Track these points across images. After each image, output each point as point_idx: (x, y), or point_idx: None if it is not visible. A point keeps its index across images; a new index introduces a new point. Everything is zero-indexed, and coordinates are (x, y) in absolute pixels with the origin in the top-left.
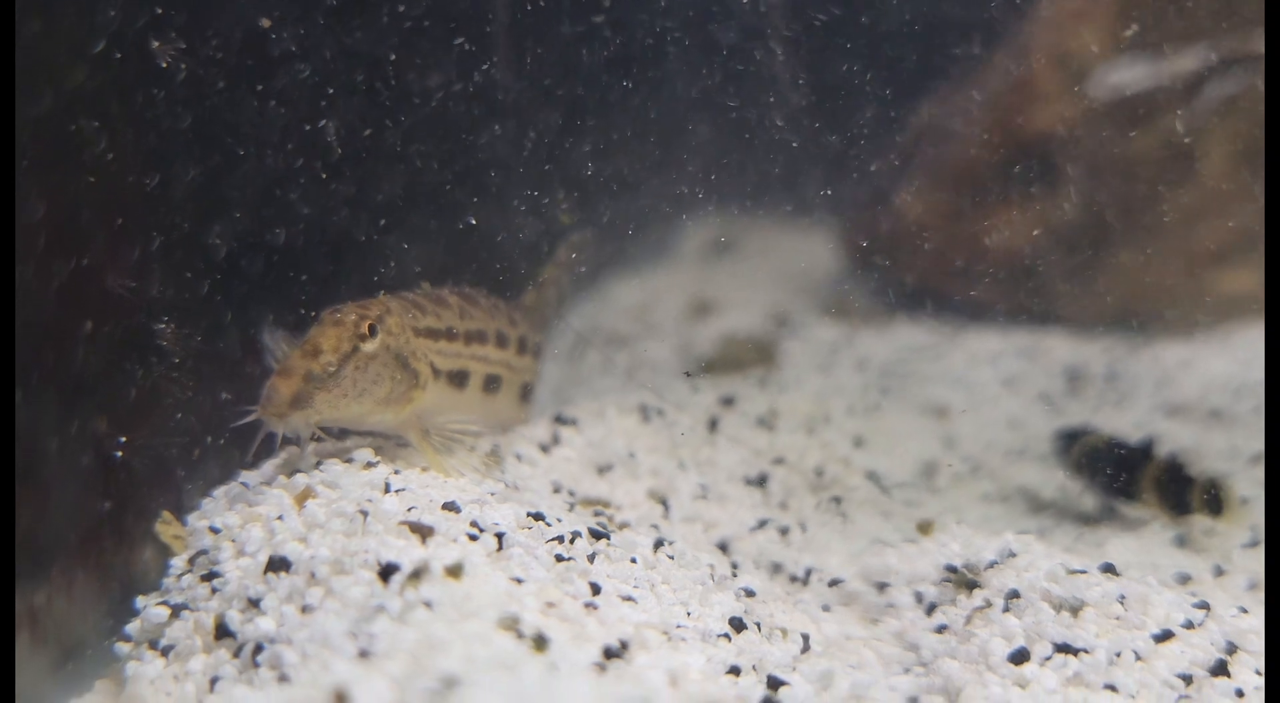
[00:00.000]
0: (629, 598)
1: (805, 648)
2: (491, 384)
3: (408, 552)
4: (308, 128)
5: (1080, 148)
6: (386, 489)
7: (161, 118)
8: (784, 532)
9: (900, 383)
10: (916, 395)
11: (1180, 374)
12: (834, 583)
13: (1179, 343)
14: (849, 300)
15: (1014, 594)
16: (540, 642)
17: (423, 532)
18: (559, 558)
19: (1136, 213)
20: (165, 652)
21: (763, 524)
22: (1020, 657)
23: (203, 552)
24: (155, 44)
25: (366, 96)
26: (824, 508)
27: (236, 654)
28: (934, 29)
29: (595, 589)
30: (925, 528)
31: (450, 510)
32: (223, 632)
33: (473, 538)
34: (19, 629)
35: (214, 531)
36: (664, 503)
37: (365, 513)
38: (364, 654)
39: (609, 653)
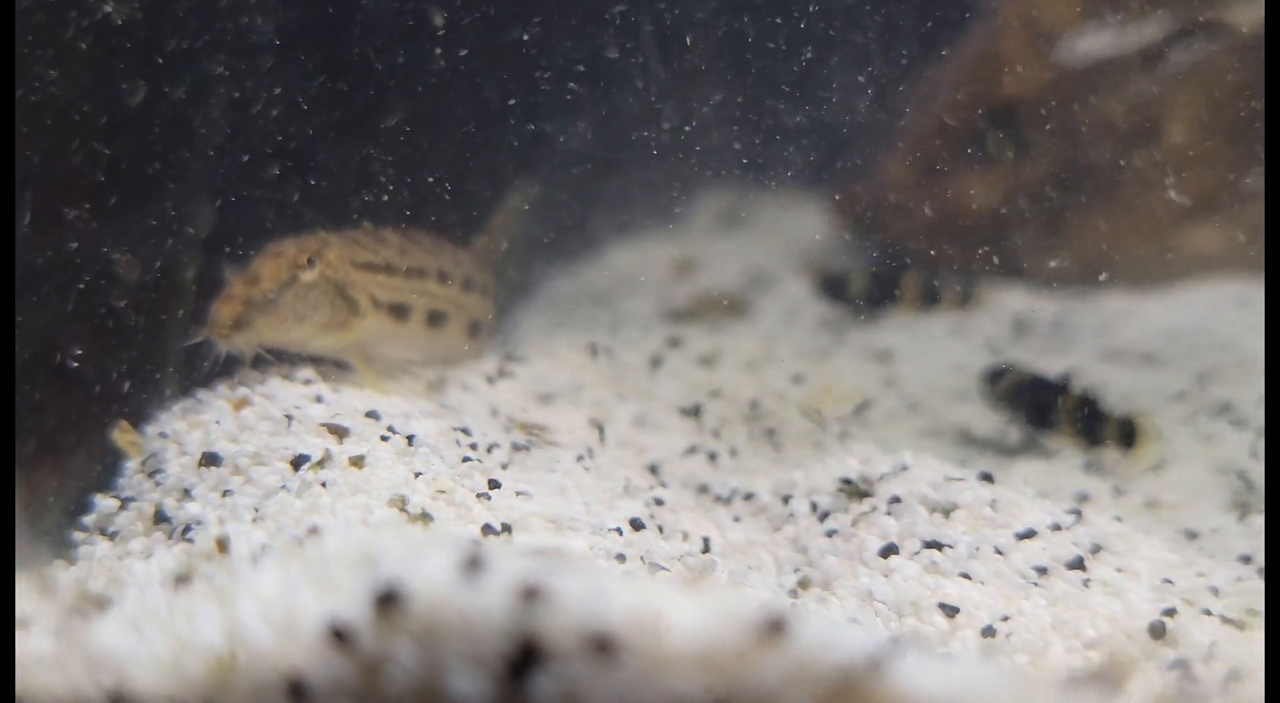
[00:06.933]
0: (524, 493)
1: (705, 550)
2: (435, 319)
3: (320, 447)
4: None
5: (1046, 113)
6: (318, 400)
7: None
8: (713, 457)
9: (854, 331)
10: (865, 341)
11: (1120, 322)
12: (748, 497)
13: (1124, 296)
14: (827, 260)
15: (895, 499)
16: (423, 518)
17: (339, 432)
18: (465, 460)
19: (1100, 176)
20: (112, 536)
21: (693, 450)
22: (889, 551)
23: (153, 454)
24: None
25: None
26: (756, 437)
27: (170, 536)
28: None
29: (493, 484)
30: None
31: (371, 418)
32: (160, 517)
33: (384, 439)
34: None
35: (163, 436)
36: (600, 429)
37: (290, 417)
38: (257, 520)
39: (488, 530)
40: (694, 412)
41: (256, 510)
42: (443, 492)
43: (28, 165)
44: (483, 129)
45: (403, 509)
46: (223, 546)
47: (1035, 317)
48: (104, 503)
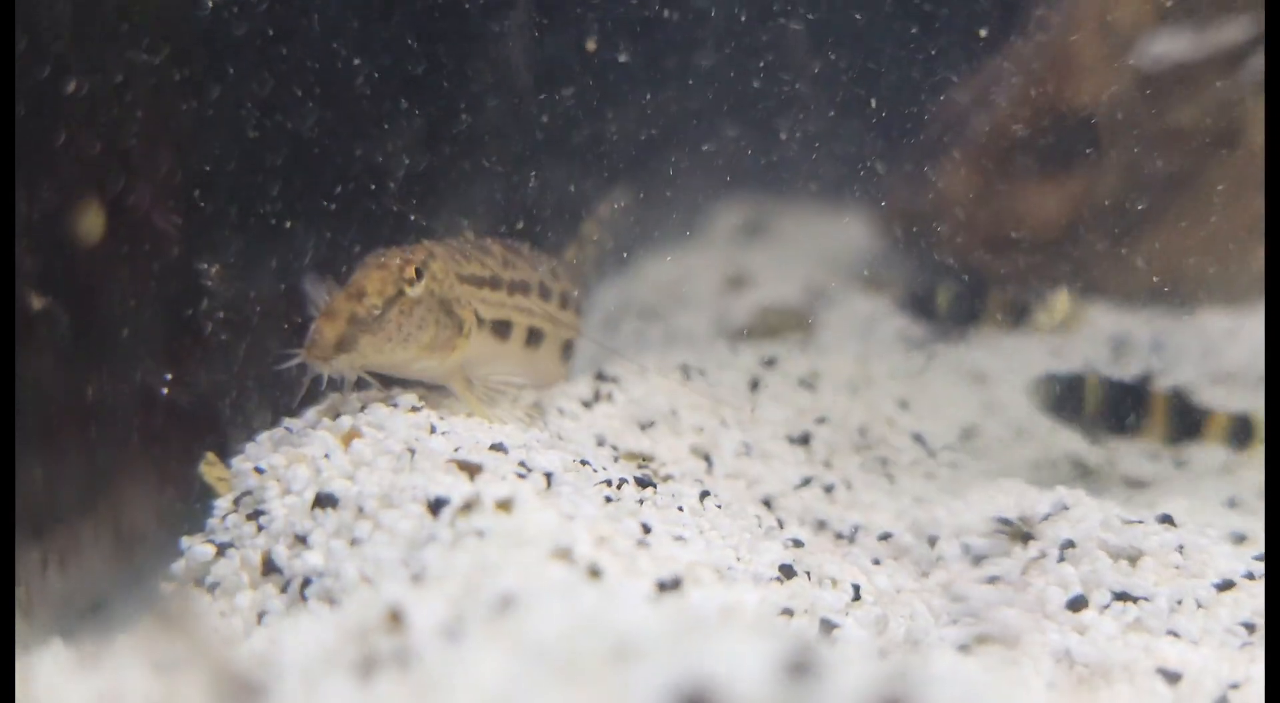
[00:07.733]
0: (680, 538)
1: (856, 597)
2: (534, 338)
3: (456, 487)
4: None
5: (1123, 120)
6: (432, 431)
7: (210, 52)
8: (829, 489)
9: (942, 350)
10: (958, 361)
11: (1226, 343)
12: (884, 537)
13: (1223, 314)
14: (888, 275)
15: (1069, 544)
16: (594, 572)
17: (471, 469)
18: (608, 500)
19: (1180, 186)
20: (211, 589)
21: (807, 482)
22: (1078, 604)
23: (248, 492)
24: None
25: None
26: (869, 468)
27: (284, 589)
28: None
29: (646, 529)
30: None
31: (498, 451)
32: (270, 568)
33: (521, 477)
34: (61, 566)
35: (259, 471)
36: (707, 459)
37: (413, 451)
38: (417, 578)
39: (662, 586)
40: (803, 440)
41: (406, 564)
42: (603, 539)
43: (122, 171)
44: (566, 136)
45: (571, 563)
46: (398, 617)
47: (1133, 336)
48: (198, 549)
